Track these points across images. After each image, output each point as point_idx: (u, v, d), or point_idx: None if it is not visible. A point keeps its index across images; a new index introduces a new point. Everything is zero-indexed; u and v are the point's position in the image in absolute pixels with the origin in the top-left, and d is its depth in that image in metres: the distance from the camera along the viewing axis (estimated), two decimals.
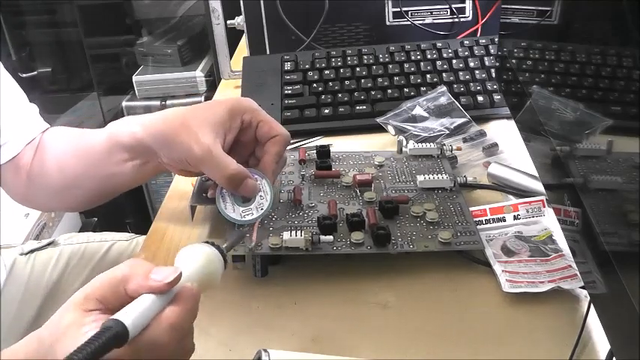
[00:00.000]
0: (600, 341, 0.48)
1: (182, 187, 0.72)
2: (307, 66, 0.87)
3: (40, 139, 0.66)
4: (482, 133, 0.74)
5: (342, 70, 0.86)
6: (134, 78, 1.75)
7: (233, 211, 0.56)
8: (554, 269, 0.54)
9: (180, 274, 0.40)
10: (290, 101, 0.83)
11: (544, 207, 0.60)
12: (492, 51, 0.86)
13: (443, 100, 0.78)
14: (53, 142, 0.66)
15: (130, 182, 0.62)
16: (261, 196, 0.56)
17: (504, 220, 0.60)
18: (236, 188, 0.54)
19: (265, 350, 0.43)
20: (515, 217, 0.60)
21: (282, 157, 0.59)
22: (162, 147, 0.56)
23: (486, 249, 0.56)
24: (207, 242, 0.45)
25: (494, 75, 0.83)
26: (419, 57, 0.87)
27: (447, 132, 0.74)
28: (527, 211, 0.60)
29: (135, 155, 0.59)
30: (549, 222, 0.59)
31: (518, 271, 0.54)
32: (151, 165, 0.59)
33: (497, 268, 0.54)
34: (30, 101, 0.69)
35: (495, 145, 0.73)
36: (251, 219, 0.55)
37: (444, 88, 0.79)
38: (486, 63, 0.85)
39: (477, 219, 0.60)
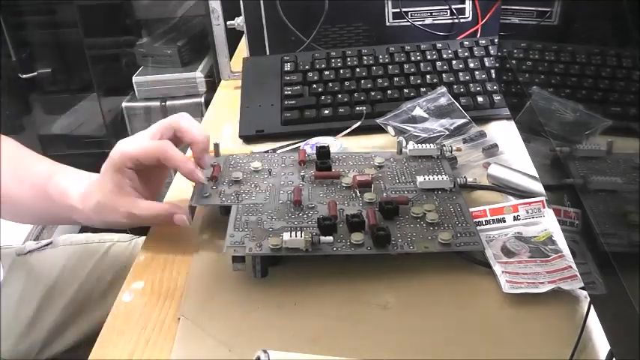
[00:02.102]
0: (600, 341, 0.48)
1: (182, 187, 0.72)
2: (307, 67, 0.87)
3: None
4: (483, 134, 0.74)
5: (341, 71, 0.86)
6: (134, 79, 1.75)
7: None
8: (554, 270, 0.54)
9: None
10: (290, 102, 0.83)
11: (544, 208, 0.60)
12: (492, 52, 0.86)
13: (443, 100, 0.78)
14: None
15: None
16: None
17: (504, 221, 0.60)
18: (169, 223, 0.59)
19: (265, 350, 0.43)
20: (515, 218, 0.60)
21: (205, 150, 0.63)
22: (103, 225, 0.62)
23: (486, 250, 0.56)
24: None
25: (494, 76, 0.83)
26: (419, 58, 0.87)
27: (447, 133, 0.74)
28: (527, 212, 0.60)
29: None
30: (549, 223, 0.59)
31: (519, 271, 0.54)
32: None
33: (498, 268, 0.54)
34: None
35: (495, 145, 0.73)
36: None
37: (444, 89, 0.79)
38: (486, 64, 0.85)
39: (477, 220, 0.60)
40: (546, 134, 0.52)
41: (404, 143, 0.70)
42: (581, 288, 0.51)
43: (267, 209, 0.59)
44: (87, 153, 1.80)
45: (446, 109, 0.77)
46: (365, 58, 0.88)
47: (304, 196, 0.61)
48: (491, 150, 0.72)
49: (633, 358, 0.34)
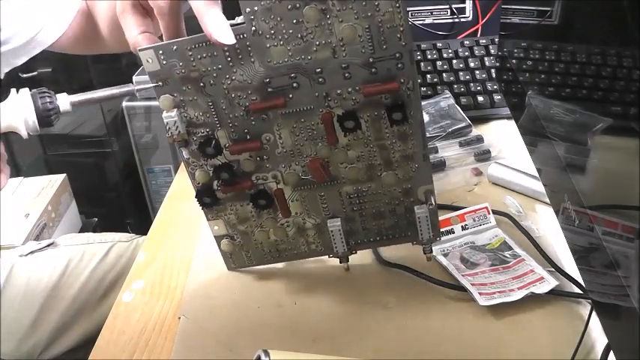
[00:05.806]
0: (601, 341, 0.48)
1: (182, 187, 0.73)
2: None
3: None
4: (480, 139, 0.74)
5: None
6: (134, 78, 1.74)
7: None
8: (519, 275, 0.53)
9: None
10: None
11: (489, 214, 0.60)
12: (492, 51, 0.86)
13: (444, 103, 0.78)
14: None
15: None
16: None
17: (453, 232, 0.59)
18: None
19: (265, 350, 0.43)
20: (463, 228, 0.59)
21: None
22: None
23: (447, 265, 0.55)
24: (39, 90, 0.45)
25: (494, 75, 0.83)
26: (419, 57, 0.87)
27: (443, 135, 0.74)
28: (474, 220, 0.60)
29: None
30: (495, 228, 0.59)
31: (486, 282, 0.53)
32: None
33: (466, 282, 0.53)
34: None
35: (488, 152, 0.72)
36: None
37: (448, 94, 0.79)
38: (486, 63, 0.85)
39: None
40: (547, 133, 0.52)
41: None
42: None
43: None
44: (87, 152, 1.81)
45: (446, 112, 0.77)
46: None
47: None
48: (484, 156, 0.72)
49: (633, 359, 0.34)
